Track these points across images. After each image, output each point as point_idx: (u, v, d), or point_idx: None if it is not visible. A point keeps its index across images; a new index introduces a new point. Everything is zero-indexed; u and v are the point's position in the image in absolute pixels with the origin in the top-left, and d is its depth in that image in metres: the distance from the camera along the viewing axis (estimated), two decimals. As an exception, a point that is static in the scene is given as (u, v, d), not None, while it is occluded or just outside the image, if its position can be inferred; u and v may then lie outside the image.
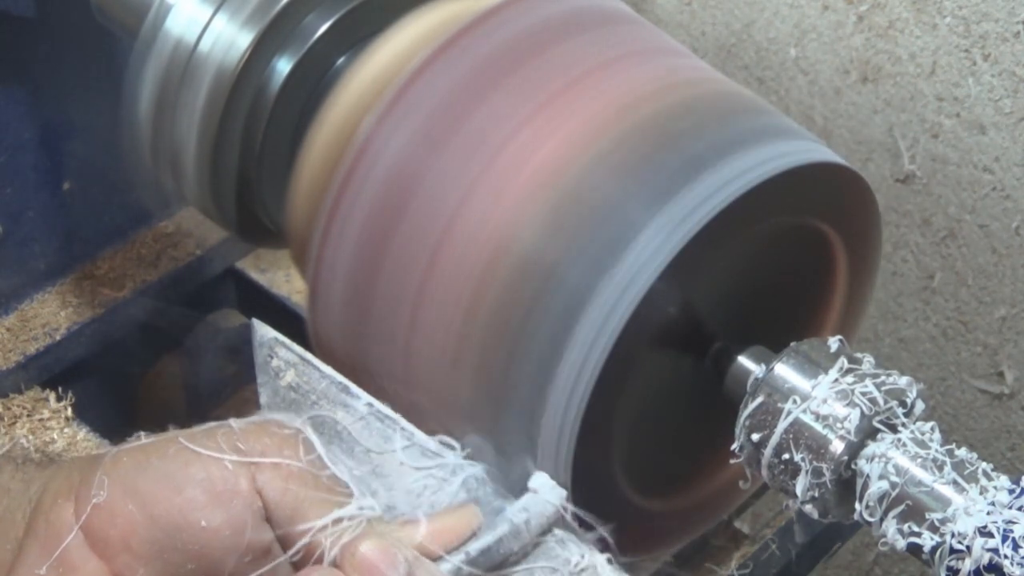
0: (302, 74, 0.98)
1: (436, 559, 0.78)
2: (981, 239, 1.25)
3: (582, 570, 0.81)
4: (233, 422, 0.80)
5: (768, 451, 0.85)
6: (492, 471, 0.85)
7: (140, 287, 1.20)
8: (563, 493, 0.83)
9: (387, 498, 0.83)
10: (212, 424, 0.80)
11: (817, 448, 0.84)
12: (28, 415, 1.12)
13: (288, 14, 0.97)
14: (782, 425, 0.85)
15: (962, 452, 0.83)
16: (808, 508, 0.86)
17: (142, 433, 0.81)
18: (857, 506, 0.84)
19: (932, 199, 1.27)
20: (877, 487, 0.82)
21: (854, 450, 0.84)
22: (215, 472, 0.77)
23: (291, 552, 0.77)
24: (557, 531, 0.83)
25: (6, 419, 1.12)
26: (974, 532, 0.79)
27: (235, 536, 0.76)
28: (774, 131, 0.91)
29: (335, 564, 0.76)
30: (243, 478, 0.77)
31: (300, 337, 0.92)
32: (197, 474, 0.77)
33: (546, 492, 0.83)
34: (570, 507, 0.83)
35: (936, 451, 0.82)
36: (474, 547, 0.79)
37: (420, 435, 0.86)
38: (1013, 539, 0.78)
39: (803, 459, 0.84)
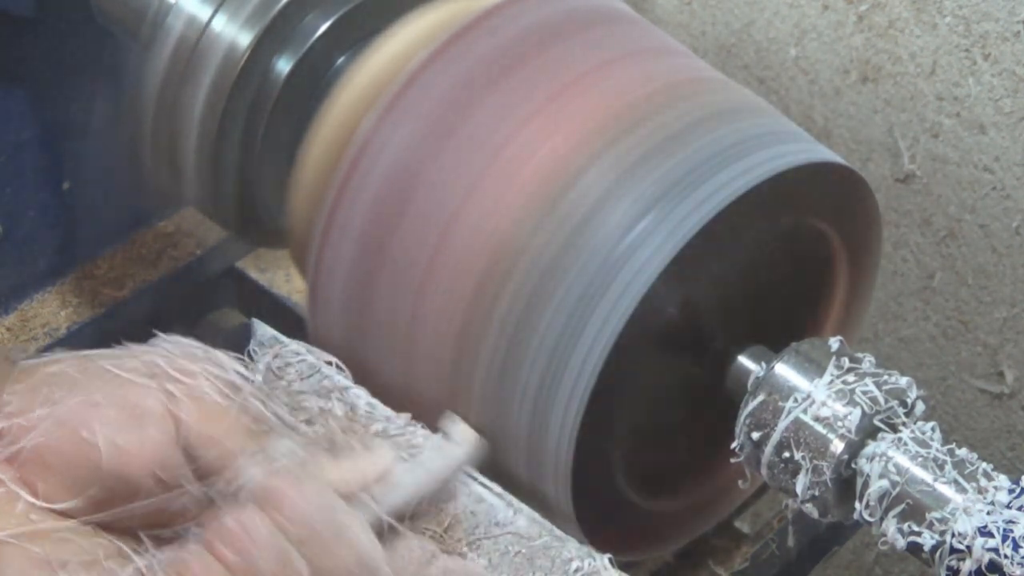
0: (302, 74, 0.98)
1: (350, 497, 0.78)
2: (981, 239, 1.25)
3: (585, 573, 0.81)
4: (163, 346, 0.79)
5: (768, 450, 0.85)
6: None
7: (140, 287, 1.20)
8: (475, 437, 0.85)
9: None
10: (140, 347, 0.79)
11: (817, 447, 0.84)
12: (28, 415, 1.12)
13: (288, 14, 0.97)
14: (782, 424, 0.85)
15: (962, 452, 0.83)
16: (808, 507, 0.86)
17: (59, 349, 0.80)
18: (857, 505, 0.84)
19: (932, 199, 1.27)
20: (877, 486, 0.82)
21: (854, 449, 0.84)
22: (131, 392, 0.76)
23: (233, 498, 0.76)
24: (557, 531, 0.84)
25: (6, 418, 1.11)
26: (974, 532, 0.79)
27: (148, 459, 0.75)
28: (774, 131, 0.91)
29: (251, 499, 0.75)
30: (158, 402, 0.76)
31: (300, 337, 0.92)
32: (113, 392, 0.76)
33: (459, 437, 0.85)
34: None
35: (936, 451, 0.82)
36: (388, 491, 0.80)
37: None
38: (1013, 539, 0.78)
39: (803, 458, 0.84)
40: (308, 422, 0.82)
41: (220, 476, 0.76)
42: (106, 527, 0.76)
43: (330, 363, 0.88)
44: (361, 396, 0.87)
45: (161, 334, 0.81)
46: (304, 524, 0.74)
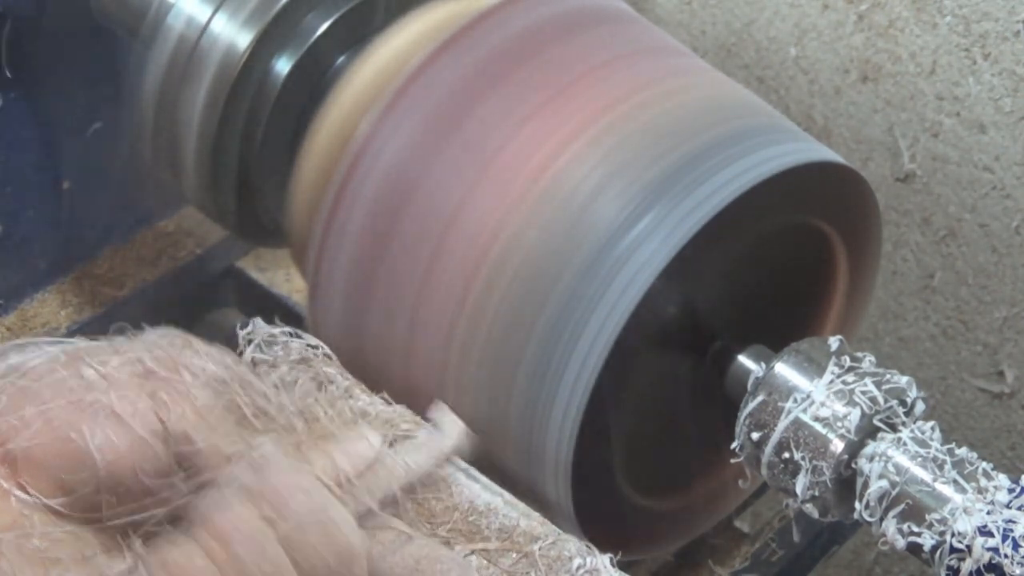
0: (302, 73, 0.98)
1: (337, 486, 0.79)
2: (981, 238, 1.25)
3: (586, 572, 0.81)
4: (149, 341, 0.79)
5: (768, 450, 0.85)
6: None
7: (140, 286, 1.20)
8: (463, 428, 0.85)
9: None
10: (125, 342, 0.79)
11: (817, 447, 0.84)
12: (28, 415, 1.12)
13: (288, 13, 0.97)
14: (782, 424, 0.85)
15: (962, 451, 0.83)
16: (808, 507, 0.86)
17: (42, 340, 0.80)
18: (857, 505, 0.84)
19: (932, 198, 1.27)
20: (877, 486, 0.82)
21: (854, 449, 0.84)
22: (118, 392, 0.76)
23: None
24: (557, 529, 0.84)
25: (6, 418, 1.11)
26: (974, 531, 0.79)
27: (136, 458, 0.76)
28: (774, 131, 0.91)
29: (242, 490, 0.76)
30: (145, 402, 0.76)
31: (300, 337, 0.92)
32: (101, 391, 0.76)
33: (447, 427, 0.85)
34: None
35: (936, 450, 0.82)
36: (374, 478, 0.80)
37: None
38: (1013, 538, 0.78)
39: (803, 458, 0.84)
40: (295, 411, 0.83)
41: (208, 472, 0.77)
42: (97, 525, 0.76)
43: (315, 347, 0.89)
44: (339, 383, 0.87)
45: (150, 328, 0.81)
46: (289, 516, 0.74)
